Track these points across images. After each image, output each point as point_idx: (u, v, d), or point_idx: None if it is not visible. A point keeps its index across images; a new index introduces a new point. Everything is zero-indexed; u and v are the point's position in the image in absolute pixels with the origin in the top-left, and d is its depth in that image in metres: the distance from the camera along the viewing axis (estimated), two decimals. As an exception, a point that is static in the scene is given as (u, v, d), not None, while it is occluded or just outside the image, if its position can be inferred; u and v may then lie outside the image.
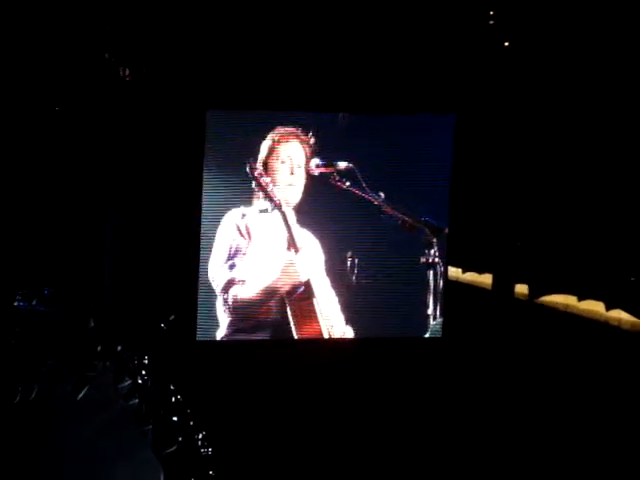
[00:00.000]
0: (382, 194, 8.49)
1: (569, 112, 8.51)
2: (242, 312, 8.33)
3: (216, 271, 8.29)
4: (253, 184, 8.28)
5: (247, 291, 8.31)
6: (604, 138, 8.41)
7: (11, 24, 8.06)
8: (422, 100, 8.56)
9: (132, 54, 8.29)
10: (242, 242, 8.30)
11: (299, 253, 8.37)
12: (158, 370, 7.79)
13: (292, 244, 8.36)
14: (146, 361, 7.81)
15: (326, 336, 8.41)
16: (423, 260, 8.66)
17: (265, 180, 8.23)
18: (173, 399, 7.70)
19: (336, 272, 8.53)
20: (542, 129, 8.65)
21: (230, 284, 8.26)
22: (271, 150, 8.34)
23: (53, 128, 8.27)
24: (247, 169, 8.26)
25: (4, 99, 8.20)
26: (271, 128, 8.38)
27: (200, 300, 8.32)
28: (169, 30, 8.25)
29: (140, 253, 8.30)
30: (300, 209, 8.41)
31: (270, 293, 8.35)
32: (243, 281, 8.28)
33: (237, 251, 8.29)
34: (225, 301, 8.29)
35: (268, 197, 8.27)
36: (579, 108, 8.47)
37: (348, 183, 8.43)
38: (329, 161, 8.44)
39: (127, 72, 8.28)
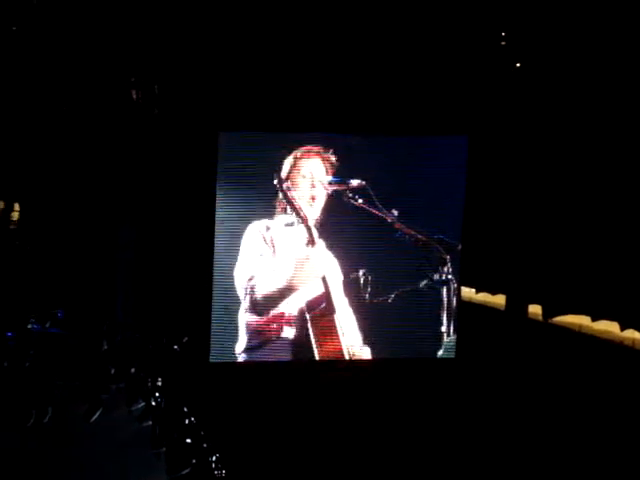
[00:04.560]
0: (395, 212, 8.48)
1: (582, 132, 8.48)
2: (262, 325, 8.33)
3: (241, 280, 8.29)
4: (280, 196, 8.27)
5: (271, 302, 8.31)
6: (616, 158, 8.38)
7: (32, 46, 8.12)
8: (435, 121, 8.56)
9: (147, 77, 8.32)
10: (267, 252, 8.31)
11: (322, 267, 8.36)
12: (172, 392, 7.81)
13: (316, 257, 8.35)
14: (159, 383, 7.83)
15: (346, 355, 8.41)
16: (436, 277, 8.64)
17: (293, 195, 8.24)
18: (187, 421, 7.71)
19: (350, 289, 8.52)
20: (555, 149, 8.63)
21: (254, 294, 8.27)
22: (293, 165, 8.35)
23: (66, 151, 8.29)
24: (275, 183, 8.27)
25: (23, 121, 8.25)
26: (286, 148, 8.38)
27: (214, 322, 8.32)
28: (183, 53, 8.27)
29: (153, 275, 8.32)
30: (319, 225, 8.40)
31: (292, 304, 8.35)
32: (267, 292, 8.29)
33: (261, 261, 8.30)
34: (247, 309, 8.29)
35: (295, 211, 8.28)
36: (592, 128, 8.44)
37: (361, 200, 8.42)
38: (343, 179, 8.42)
39: (140, 94, 8.31)
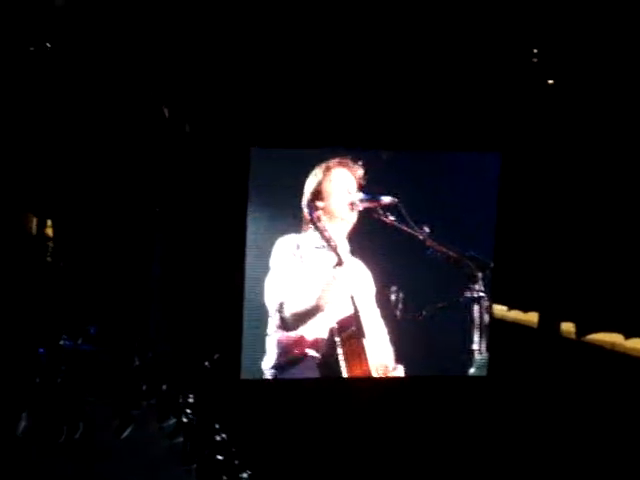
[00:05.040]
0: (427, 228, 8.43)
1: (616, 148, 8.46)
2: (291, 343, 8.28)
3: (270, 297, 8.25)
4: (311, 226, 8.24)
5: (298, 320, 8.22)
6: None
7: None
8: (468, 138, 8.56)
9: (177, 94, 8.35)
10: (296, 270, 8.25)
11: (351, 287, 8.30)
12: (203, 409, 7.81)
13: (345, 278, 8.27)
14: (191, 400, 7.83)
15: (375, 374, 8.34)
16: (468, 295, 8.59)
17: (322, 225, 8.18)
18: (218, 438, 7.70)
19: (381, 307, 8.48)
20: (587, 166, 8.61)
21: (282, 310, 8.22)
22: (322, 182, 8.30)
23: (99, 167, 8.33)
24: (305, 211, 8.23)
25: (55, 136, 8.29)
26: (316, 163, 8.35)
27: (245, 338, 8.30)
28: (212, 68, 8.31)
29: (185, 292, 8.32)
30: (349, 243, 8.36)
31: (321, 324, 8.26)
32: (295, 309, 8.22)
33: (290, 279, 8.24)
34: (277, 327, 8.24)
35: (325, 239, 8.21)
36: (626, 144, 8.41)
37: (392, 217, 8.37)
38: (373, 195, 8.38)
39: (171, 111, 8.34)
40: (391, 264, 8.51)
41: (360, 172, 8.34)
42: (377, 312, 8.44)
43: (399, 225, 8.38)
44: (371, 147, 8.48)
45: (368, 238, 8.44)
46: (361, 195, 8.34)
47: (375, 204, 8.36)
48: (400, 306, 8.48)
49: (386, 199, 8.35)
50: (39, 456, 7.28)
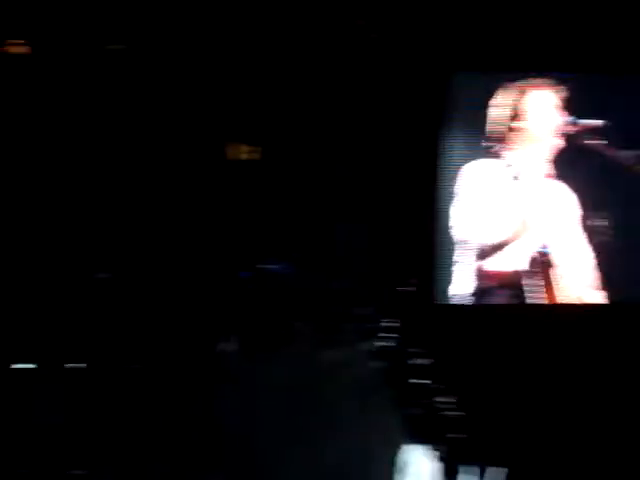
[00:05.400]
0: (635, 153, 8.22)
1: None
2: (481, 272, 8.25)
3: (461, 224, 8.25)
4: (507, 143, 8.18)
5: (489, 249, 8.21)
6: None
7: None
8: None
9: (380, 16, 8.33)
10: (489, 197, 8.22)
11: (546, 217, 8.22)
12: (401, 333, 7.90)
13: (540, 207, 8.20)
14: (389, 324, 7.93)
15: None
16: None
17: (521, 148, 8.10)
18: (419, 362, 7.79)
19: (586, 232, 8.33)
20: None
21: (473, 239, 8.21)
22: (523, 101, 8.22)
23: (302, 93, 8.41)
24: (502, 134, 8.18)
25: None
26: (517, 85, 8.25)
27: (437, 265, 8.31)
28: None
29: (380, 215, 8.35)
30: (550, 168, 8.24)
31: (513, 254, 8.18)
32: (487, 239, 8.20)
33: (483, 207, 8.22)
34: (463, 258, 8.25)
35: (522, 163, 8.14)
36: None
37: (596, 142, 8.20)
38: (576, 118, 8.21)
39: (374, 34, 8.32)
40: (597, 189, 8.33)
41: (564, 94, 8.20)
42: (581, 237, 8.32)
43: (603, 150, 8.20)
44: (575, 70, 8.28)
45: (573, 162, 8.29)
46: (566, 117, 8.19)
47: (580, 127, 8.21)
48: (605, 233, 8.31)
49: (593, 122, 8.19)
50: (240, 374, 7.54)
